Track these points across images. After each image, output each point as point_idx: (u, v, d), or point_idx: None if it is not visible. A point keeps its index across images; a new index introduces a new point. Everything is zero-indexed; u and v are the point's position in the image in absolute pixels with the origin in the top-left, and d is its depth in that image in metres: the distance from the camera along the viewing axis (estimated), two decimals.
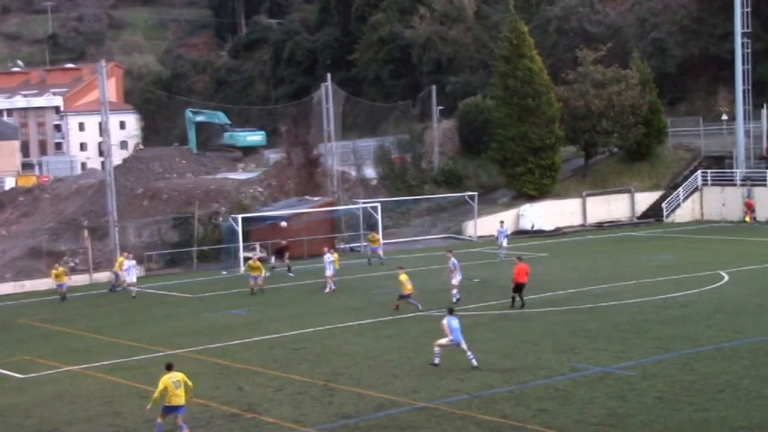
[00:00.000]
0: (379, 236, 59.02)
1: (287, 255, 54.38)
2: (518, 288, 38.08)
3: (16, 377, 30.86)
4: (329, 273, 45.71)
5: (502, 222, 58.45)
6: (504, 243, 55.72)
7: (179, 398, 23.07)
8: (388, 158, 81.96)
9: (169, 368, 23.61)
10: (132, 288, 47.75)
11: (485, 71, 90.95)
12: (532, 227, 68.74)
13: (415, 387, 26.60)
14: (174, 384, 23.14)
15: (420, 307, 38.64)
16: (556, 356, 29.56)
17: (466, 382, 26.88)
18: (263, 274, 46.58)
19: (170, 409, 23.19)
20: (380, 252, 56.42)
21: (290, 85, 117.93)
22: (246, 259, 50.67)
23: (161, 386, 23.12)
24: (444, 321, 28.13)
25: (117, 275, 50.76)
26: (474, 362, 28.04)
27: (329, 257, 45.98)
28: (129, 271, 48.35)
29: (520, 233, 67.66)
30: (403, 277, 38.99)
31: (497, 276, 48.06)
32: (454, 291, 40.65)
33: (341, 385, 27.20)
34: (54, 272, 49.67)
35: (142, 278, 55.08)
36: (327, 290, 45.42)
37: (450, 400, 25.09)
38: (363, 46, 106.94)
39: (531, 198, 71.50)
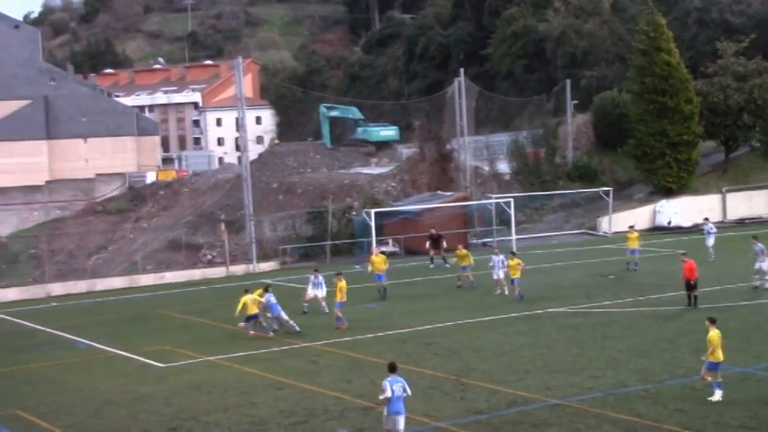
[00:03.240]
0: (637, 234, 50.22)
1: (443, 244, 54.14)
2: (690, 285, 36.99)
3: (157, 366, 31.71)
4: (497, 276, 42.58)
5: (707, 219, 55.07)
6: (711, 242, 51.29)
7: (255, 308, 35.41)
8: (522, 153, 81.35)
9: (248, 291, 35.99)
10: (319, 305, 39.75)
11: (621, 65, 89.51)
12: (669, 223, 67.33)
13: (548, 384, 26.32)
14: (251, 300, 35.42)
15: (344, 326, 36.10)
16: (693, 355, 28.78)
17: (600, 380, 26.48)
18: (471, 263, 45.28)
19: (251, 317, 35.35)
20: (634, 256, 49.05)
21: (423, 80, 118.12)
22: (383, 254, 50.19)
23: (242, 303, 35.37)
24: None
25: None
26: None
27: (500, 258, 42.82)
28: (318, 285, 40.24)
29: (656, 229, 66.36)
30: (343, 284, 36.80)
31: (632, 273, 47.25)
32: (757, 276, 40.12)
33: (473, 380, 27.10)
34: None
35: (277, 272, 56.08)
36: (498, 292, 42.50)
37: (583, 398, 24.74)
38: (497, 40, 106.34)
39: (669, 193, 70.05)
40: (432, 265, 53.38)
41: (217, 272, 56.97)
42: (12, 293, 52.11)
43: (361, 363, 30.12)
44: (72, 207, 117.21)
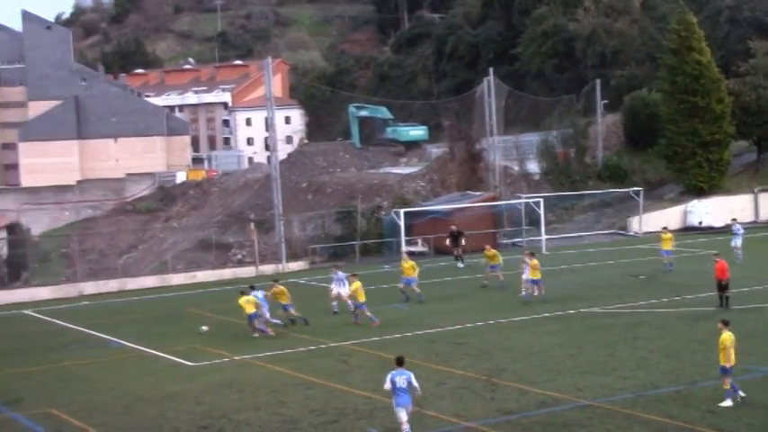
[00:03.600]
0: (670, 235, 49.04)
1: (462, 241, 53.82)
2: (722, 286, 36.61)
3: (187, 365, 31.84)
4: (527, 275, 40.85)
5: (734, 219, 53.73)
6: (739, 243, 50.05)
7: (251, 307, 35.50)
8: (552, 153, 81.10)
9: (244, 293, 36.29)
10: (349, 304, 38.95)
11: (651, 64, 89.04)
12: (700, 223, 66.90)
13: (579, 384, 26.22)
14: (245, 300, 35.60)
15: (376, 321, 36.51)
16: None
17: (631, 381, 26.35)
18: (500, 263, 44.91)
19: (251, 317, 35.59)
20: (668, 257, 48.22)
21: (452, 79, 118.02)
22: (410, 254, 50.08)
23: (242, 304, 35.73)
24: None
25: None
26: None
27: (530, 260, 41.53)
28: (341, 282, 40.07)
29: (687, 230, 65.97)
30: (356, 285, 37.27)
31: (663, 274, 46.97)
32: None
33: (503, 381, 27.04)
34: (275, 290, 37.93)
35: (306, 271, 56.17)
36: (536, 293, 40.77)
37: (614, 399, 24.63)
38: (526, 40, 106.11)
39: (701, 193, 69.62)
40: (461, 265, 53.09)
41: (246, 271, 57.12)
42: (44, 292, 52.50)
43: (391, 362, 29.99)
44: (103, 206, 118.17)
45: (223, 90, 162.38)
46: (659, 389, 25.44)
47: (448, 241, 54.39)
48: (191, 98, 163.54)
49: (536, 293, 41.00)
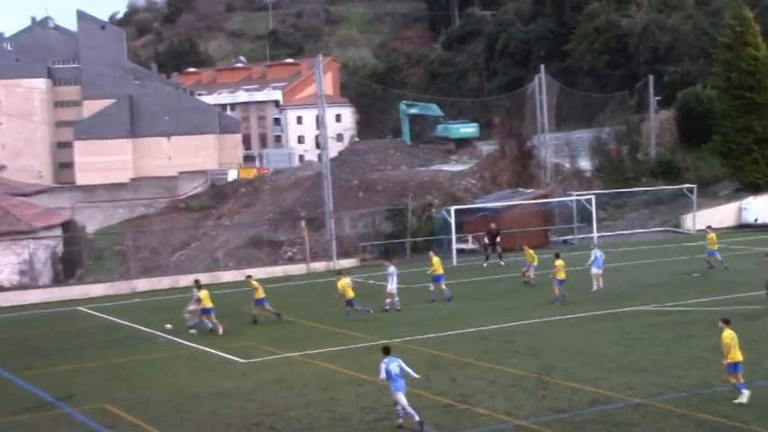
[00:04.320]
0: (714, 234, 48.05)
1: (499, 240, 53.87)
2: None
3: (239, 362, 32.00)
4: (596, 270, 41.64)
5: None
6: None
7: (209, 301, 36.94)
8: (605, 150, 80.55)
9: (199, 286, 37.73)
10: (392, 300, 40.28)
11: (705, 60, 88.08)
12: (756, 220, 66.07)
13: (631, 383, 26.00)
14: (205, 295, 36.79)
15: (371, 311, 38.39)
16: None
17: (684, 380, 26.07)
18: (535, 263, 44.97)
19: (207, 310, 37.03)
20: (716, 255, 47.09)
21: (503, 76, 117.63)
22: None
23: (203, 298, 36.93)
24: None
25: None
26: None
27: (599, 252, 42.32)
28: (391, 277, 40.56)
29: (742, 227, 65.16)
30: (342, 283, 38.00)
31: (716, 271, 46.42)
32: None
33: (554, 379, 26.89)
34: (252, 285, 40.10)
35: (357, 269, 56.23)
36: (595, 288, 41.60)
37: (667, 398, 24.38)
38: (578, 36, 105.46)
39: (756, 189, 68.79)
40: (502, 263, 52.76)
41: (297, 269, 57.34)
42: (98, 289, 53.14)
43: (441, 360, 30.08)
44: (156, 204, 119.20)
45: (274, 88, 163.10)
46: (714, 388, 25.14)
47: (486, 239, 54.45)
48: (242, 96, 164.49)
49: (594, 288, 41.10)
